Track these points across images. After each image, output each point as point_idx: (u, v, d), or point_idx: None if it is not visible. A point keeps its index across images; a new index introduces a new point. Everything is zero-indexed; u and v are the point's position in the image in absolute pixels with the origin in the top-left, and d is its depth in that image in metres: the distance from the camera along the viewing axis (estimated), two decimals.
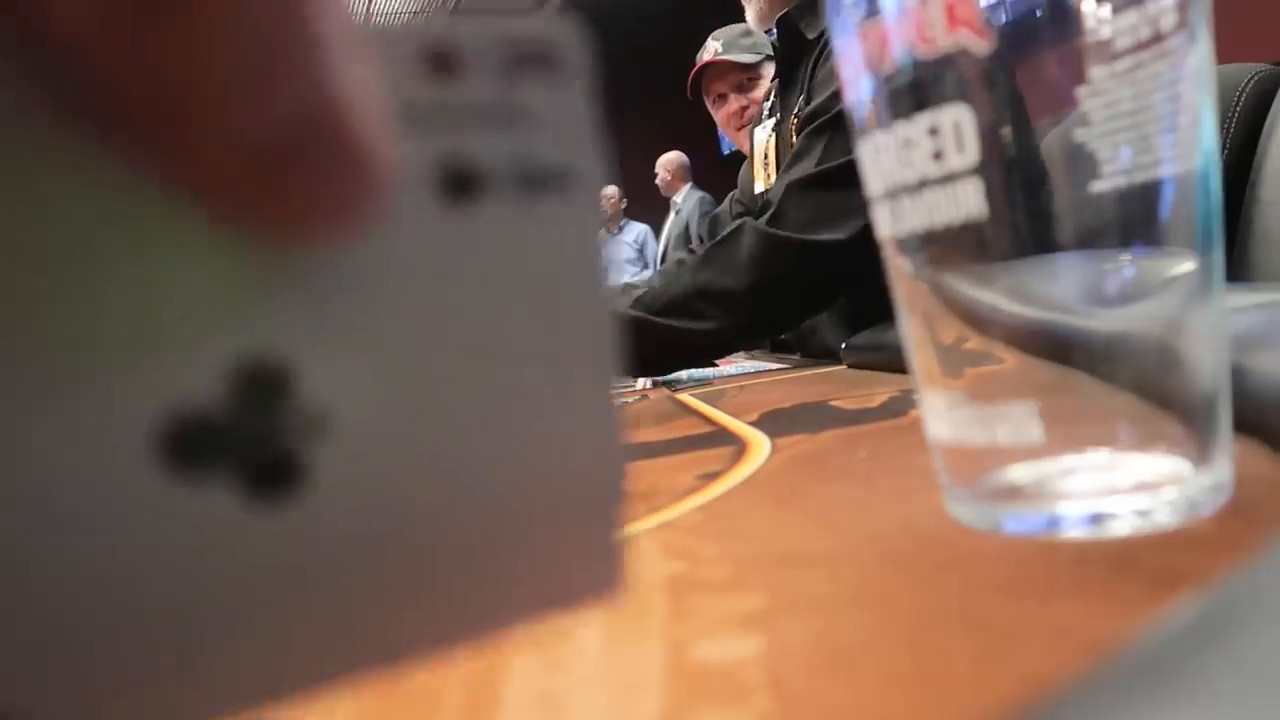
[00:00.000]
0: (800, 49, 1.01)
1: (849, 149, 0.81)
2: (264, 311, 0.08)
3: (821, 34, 0.97)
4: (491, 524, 0.10)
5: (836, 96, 0.85)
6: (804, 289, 0.84)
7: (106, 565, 0.08)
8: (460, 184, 0.10)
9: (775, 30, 1.04)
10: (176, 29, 0.07)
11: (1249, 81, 0.85)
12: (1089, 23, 0.20)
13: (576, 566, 0.11)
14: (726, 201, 1.28)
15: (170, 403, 0.08)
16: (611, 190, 3.42)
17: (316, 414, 0.09)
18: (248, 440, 0.08)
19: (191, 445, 0.08)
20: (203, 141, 0.07)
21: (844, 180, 0.82)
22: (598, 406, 0.11)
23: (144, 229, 0.08)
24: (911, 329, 0.23)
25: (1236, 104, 0.84)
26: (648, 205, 3.67)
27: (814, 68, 0.97)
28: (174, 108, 0.07)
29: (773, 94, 1.16)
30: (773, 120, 1.12)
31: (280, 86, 0.07)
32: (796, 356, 1.01)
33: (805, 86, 0.98)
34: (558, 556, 0.11)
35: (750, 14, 1.07)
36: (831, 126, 0.85)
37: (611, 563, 0.11)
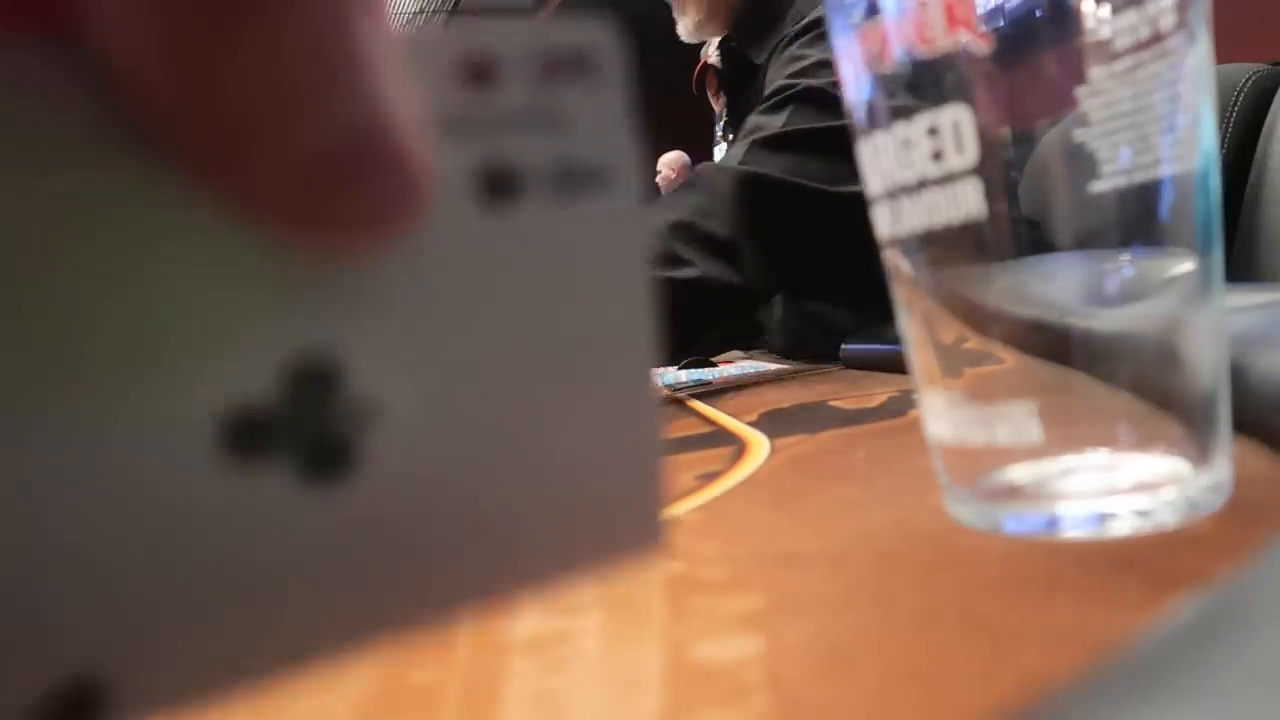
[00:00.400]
0: (746, 73, 0.97)
1: (816, 119, 0.75)
2: (314, 311, 0.09)
3: (769, 58, 0.92)
4: (536, 499, 0.11)
5: (794, 76, 0.79)
6: (798, 237, 0.74)
7: (178, 544, 0.09)
8: (499, 185, 0.10)
9: (720, 53, 1.00)
10: (235, 52, 0.07)
11: (1248, 81, 0.85)
12: (1088, 23, 0.20)
13: (621, 534, 0.12)
14: None
15: (230, 397, 0.09)
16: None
17: (365, 405, 0.09)
18: (301, 430, 0.09)
19: (249, 436, 0.09)
20: (258, 160, 0.08)
21: (820, 146, 0.73)
22: (637, 390, 0.11)
23: (204, 240, 0.09)
24: (911, 329, 0.23)
25: (1235, 104, 0.84)
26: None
27: (763, 89, 0.94)
28: (231, 128, 0.07)
29: (723, 115, 1.11)
30: (726, 144, 1.07)
31: (332, 105, 0.08)
32: (787, 365, 1.00)
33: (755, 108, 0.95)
34: (603, 526, 0.11)
35: (681, 27, 1.00)
36: (795, 100, 0.77)
37: (654, 526, 0.12)
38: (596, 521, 0.11)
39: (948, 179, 0.21)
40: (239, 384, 0.09)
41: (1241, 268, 0.79)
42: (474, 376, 0.10)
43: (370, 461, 0.10)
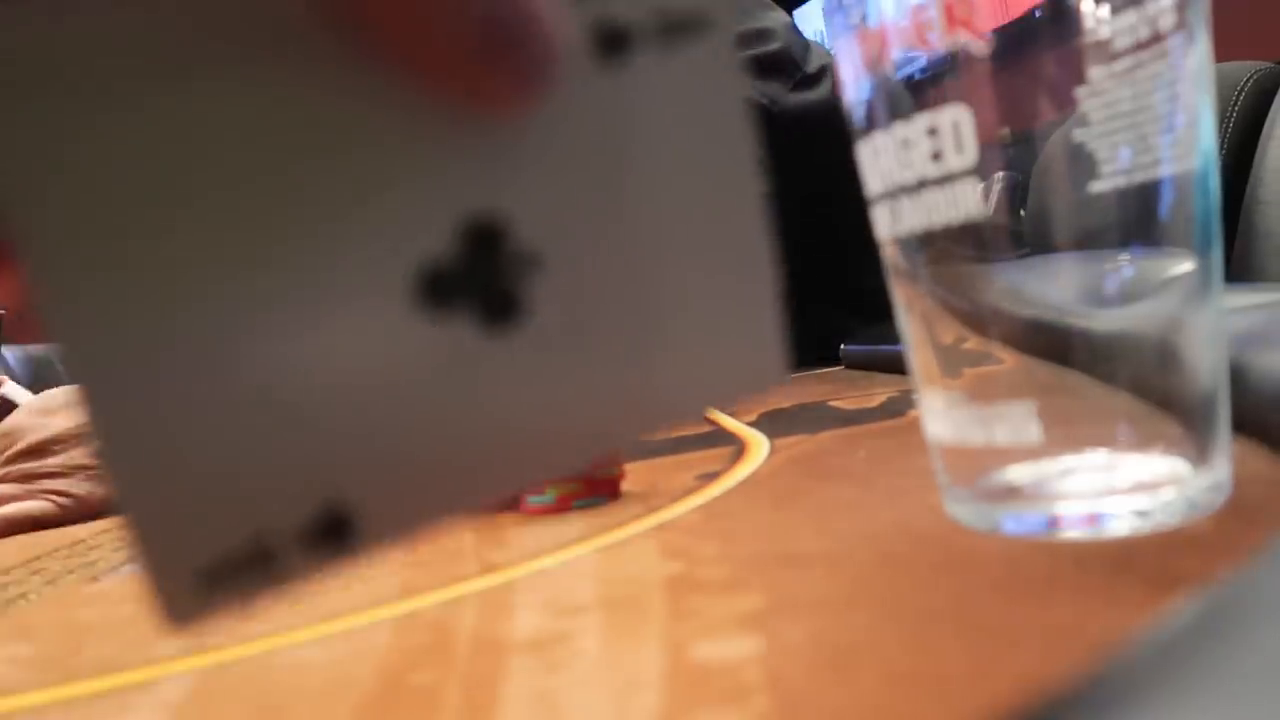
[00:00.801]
0: None
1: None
2: (478, 174, 0.10)
3: None
4: (672, 330, 0.12)
5: None
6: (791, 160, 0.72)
7: (391, 390, 0.10)
8: (612, 42, 0.11)
9: None
10: None
11: (1247, 80, 0.85)
12: (1088, 23, 0.20)
13: (746, 363, 0.13)
14: None
15: (419, 257, 0.10)
16: None
17: (527, 256, 0.11)
18: (478, 282, 0.10)
19: (437, 290, 0.10)
20: (433, 36, 0.09)
21: (773, 66, 0.75)
22: (752, 228, 0.12)
23: (387, 123, 0.10)
24: (910, 329, 0.23)
25: (1235, 103, 0.84)
26: None
27: None
28: (411, 10, 0.09)
29: None
30: None
31: None
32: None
33: None
34: (729, 357, 0.13)
35: None
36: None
37: (775, 357, 0.13)
38: (726, 358, 0.13)
39: (947, 179, 0.21)
40: (425, 245, 0.10)
41: (1241, 268, 0.79)
42: (609, 223, 0.11)
43: (535, 306, 0.11)
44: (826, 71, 0.87)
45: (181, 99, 0.09)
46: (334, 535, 0.10)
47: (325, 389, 0.10)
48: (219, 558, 0.10)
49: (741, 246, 0.12)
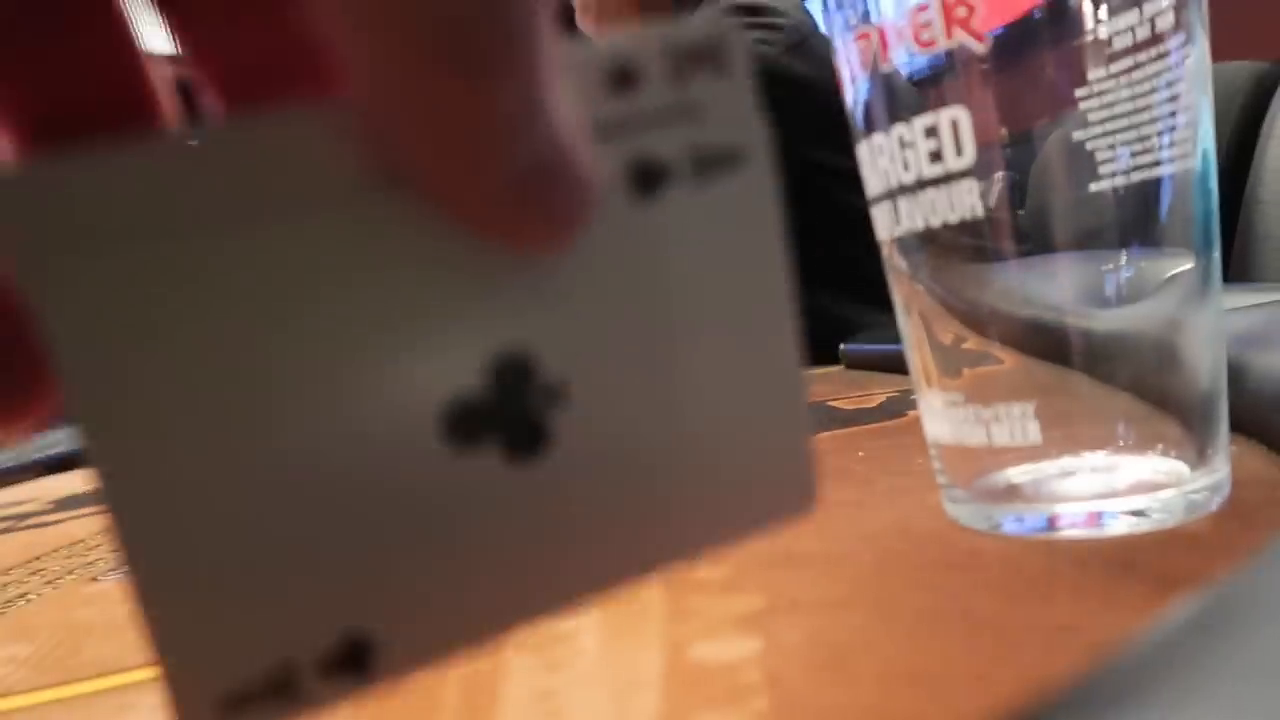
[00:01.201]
0: None
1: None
2: (509, 310, 0.11)
3: None
4: (701, 461, 0.12)
5: None
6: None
7: (416, 519, 0.10)
8: (647, 178, 0.11)
9: None
10: (467, 101, 0.09)
11: (1246, 80, 0.85)
12: (1087, 23, 0.20)
13: (778, 492, 0.13)
14: None
15: (451, 392, 0.10)
16: None
17: (555, 388, 0.11)
18: (506, 416, 0.11)
19: (465, 424, 0.11)
20: (480, 182, 0.10)
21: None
22: (782, 357, 0.13)
23: (424, 258, 0.10)
24: (910, 329, 0.24)
25: (1233, 103, 0.84)
26: None
27: None
28: (459, 159, 0.09)
29: None
30: None
31: (532, 133, 0.10)
32: None
33: None
34: (760, 486, 0.13)
35: None
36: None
37: (806, 484, 0.13)
38: (755, 484, 0.13)
39: (946, 179, 0.21)
40: (456, 380, 0.10)
41: (1240, 268, 0.80)
42: (638, 354, 0.11)
43: (560, 438, 0.11)
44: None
45: (237, 241, 0.09)
46: (354, 665, 0.10)
47: (350, 517, 0.10)
48: (242, 686, 0.10)
49: (773, 378, 0.13)
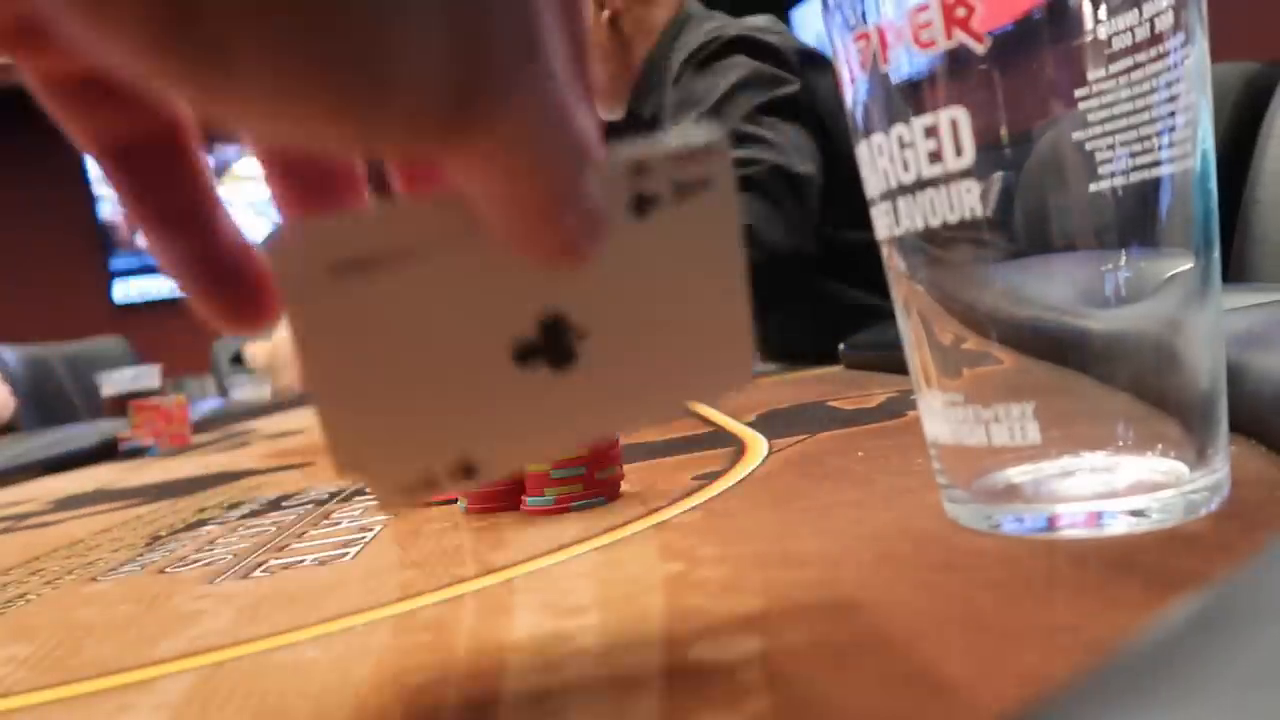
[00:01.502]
0: (636, 127, 1.01)
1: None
2: (549, 293, 0.17)
3: (657, 111, 0.99)
4: (671, 360, 0.19)
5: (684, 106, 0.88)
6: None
7: (500, 396, 0.17)
8: (642, 205, 0.17)
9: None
10: (548, 199, 0.15)
11: (1244, 80, 0.85)
12: (1086, 24, 0.20)
13: (720, 371, 0.19)
14: None
15: (515, 338, 0.17)
16: None
17: (580, 330, 0.17)
18: (552, 349, 0.17)
19: (525, 355, 0.17)
20: (545, 237, 0.16)
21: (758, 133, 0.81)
22: (732, 290, 0.18)
23: (501, 266, 0.16)
24: (910, 329, 0.24)
25: (1231, 103, 0.84)
26: None
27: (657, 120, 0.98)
28: (530, 233, 0.16)
29: None
30: None
31: (574, 214, 0.15)
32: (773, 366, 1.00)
33: None
34: (706, 370, 0.19)
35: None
36: (712, 113, 0.85)
37: (744, 363, 0.20)
38: (708, 366, 0.19)
39: (945, 180, 0.21)
40: (518, 330, 0.17)
41: (1238, 268, 0.80)
42: (634, 304, 0.18)
43: (582, 359, 0.17)
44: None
45: (415, 266, 0.16)
46: (467, 474, 0.17)
47: (468, 396, 0.17)
48: (411, 480, 0.17)
49: (724, 301, 0.19)
